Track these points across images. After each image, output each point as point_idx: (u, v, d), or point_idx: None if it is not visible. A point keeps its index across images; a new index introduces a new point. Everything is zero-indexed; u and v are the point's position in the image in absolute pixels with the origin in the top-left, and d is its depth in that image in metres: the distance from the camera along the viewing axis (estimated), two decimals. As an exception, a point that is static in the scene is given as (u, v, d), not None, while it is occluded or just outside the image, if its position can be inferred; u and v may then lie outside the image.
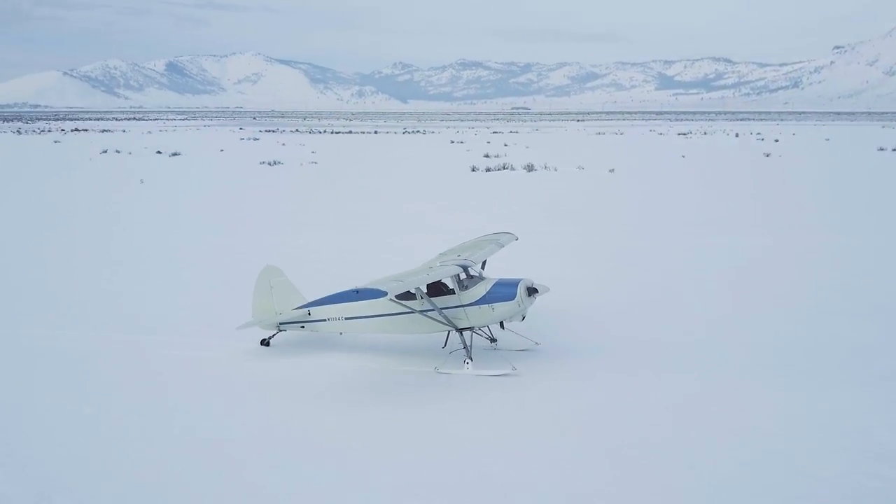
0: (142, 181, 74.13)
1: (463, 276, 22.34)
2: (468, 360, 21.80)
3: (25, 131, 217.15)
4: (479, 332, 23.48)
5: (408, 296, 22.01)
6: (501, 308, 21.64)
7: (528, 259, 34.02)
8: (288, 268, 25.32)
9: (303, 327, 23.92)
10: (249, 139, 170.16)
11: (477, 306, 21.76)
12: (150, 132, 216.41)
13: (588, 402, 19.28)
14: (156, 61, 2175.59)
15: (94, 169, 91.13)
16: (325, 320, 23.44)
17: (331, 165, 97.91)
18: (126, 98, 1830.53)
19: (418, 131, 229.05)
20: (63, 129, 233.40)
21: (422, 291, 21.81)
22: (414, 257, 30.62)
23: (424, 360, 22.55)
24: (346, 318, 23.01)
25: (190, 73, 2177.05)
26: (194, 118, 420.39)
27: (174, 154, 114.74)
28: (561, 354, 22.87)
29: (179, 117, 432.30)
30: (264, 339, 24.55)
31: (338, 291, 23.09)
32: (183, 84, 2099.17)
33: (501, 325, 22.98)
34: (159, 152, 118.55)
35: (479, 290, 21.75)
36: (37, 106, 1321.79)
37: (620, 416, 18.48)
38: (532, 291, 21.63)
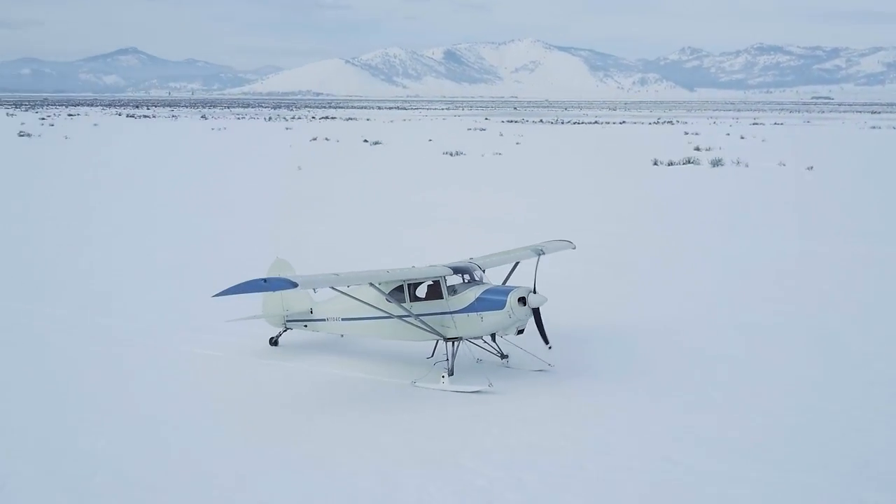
0: (300, 168, 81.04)
1: (455, 280, 21.61)
2: (445, 375, 21.06)
3: (276, 117, 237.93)
4: (490, 348, 22.77)
5: (401, 297, 21.69)
6: (490, 318, 20.64)
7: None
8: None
9: (305, 326, 24.05)
10: (476, 129, 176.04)
11: (465, 314, 20.86)
12: (391, 121, 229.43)
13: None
14: (434, 49, 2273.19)
15: (273, 154, 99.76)
16: (324, 320, 23.43)
17: (519, 157, 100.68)
18: (404, 87, 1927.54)
19: (669, 121, 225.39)
20: (313, 116, 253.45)
21: (385, 294, 21.39)
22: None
23: (410, 370, 22.33)
24: (344, 319, 22.85)
25: (467, 61, 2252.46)
26: (462, 108, 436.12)
27: (375, 143, 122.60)
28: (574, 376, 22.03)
29: (445, 107, 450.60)
30: (272, 338, 24.81)
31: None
32: (460, 72, 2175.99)
33: (493, 337, 22.01)
34: (365, 141, 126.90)
35: (468, 297, 20.87)
36: (319, 94, 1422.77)
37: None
38: (524, 301, 20.47)
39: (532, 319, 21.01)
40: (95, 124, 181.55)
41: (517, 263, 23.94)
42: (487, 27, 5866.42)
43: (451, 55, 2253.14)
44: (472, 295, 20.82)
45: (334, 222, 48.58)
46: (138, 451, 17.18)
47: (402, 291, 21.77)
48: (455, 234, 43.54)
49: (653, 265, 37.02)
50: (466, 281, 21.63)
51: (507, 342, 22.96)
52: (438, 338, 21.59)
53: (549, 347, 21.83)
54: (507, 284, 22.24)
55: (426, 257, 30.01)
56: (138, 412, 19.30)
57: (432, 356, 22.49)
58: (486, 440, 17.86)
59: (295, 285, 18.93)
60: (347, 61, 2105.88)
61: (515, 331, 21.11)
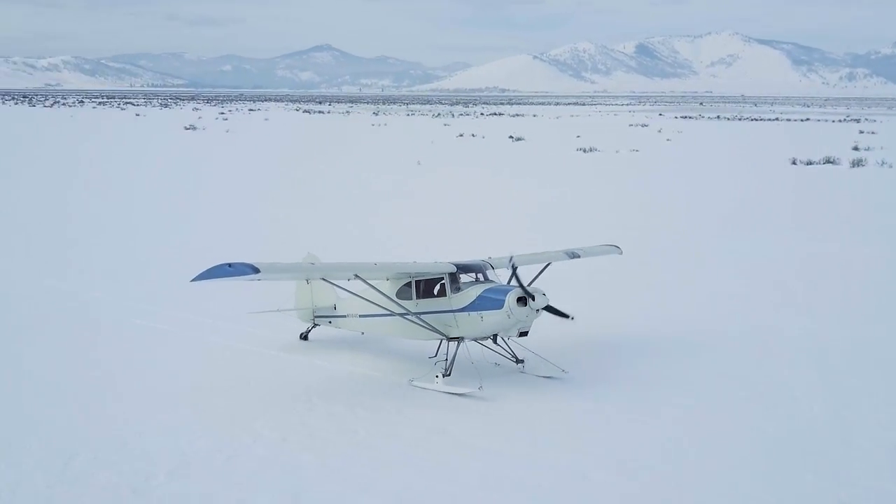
0: (419, 163, 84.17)
1: (468, 278, 21.59)
2: (439, 375, 20.97)
3: (445, 114, 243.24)
4: (505, 351, 22.57)
5: (408, 293, 21.75)
6: (490, 318, 20.38)
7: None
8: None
9: (330, 322, 24.32)
10: (638, 125, 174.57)
11: (466, 313, 20.69)
12: (558, 117, 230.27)
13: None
14: (625, 43, 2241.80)
15: (409, 149, 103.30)
16: (345, 316, 23.53)
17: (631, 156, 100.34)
18: (592, 82, 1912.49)
19: (856, 119, 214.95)
20: (482, 113, 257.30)
21: (367, 290, 21.59)
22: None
23: (415, 368, 22.48)
24: (361, 316, 22.83)
25: (660, 55, 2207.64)
26: (646, 103, 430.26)
27: (518, 139, 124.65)
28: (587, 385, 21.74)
29: (627, 102, 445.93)
30: (303, 333, 25.28)
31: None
32: (652, 67, 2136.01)
33: (494, 339, 21.57)
34: (510, 137, 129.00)
35: (470, 295, 20.67)
36: (505, 90, 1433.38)
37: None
38: (523, 302, 20.08)
39: (546, 311, 20.86)
40: (266, 119, 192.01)
41: (548, 265, 23.82)
42: (683, 19, 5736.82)
43: (642, 49, 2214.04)
44: (473, 293, 20.59)
45: (418, 216, 51.20)
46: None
47: (411, 288, 21.77)
48: (512, 229, 45.36)
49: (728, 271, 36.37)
50: (479, 279, 21.44)
51: (522, 346, 22.69)
52: (442, 337, 21.49)
53: (572, 318, 22.07)
54: (510, 284, 21.50)
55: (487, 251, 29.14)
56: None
57: (435, 356, 22.31)
58: (474, 443, 17.95)
59: (257, 271, 18.64)
60: (535, 57, 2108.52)
61: (517, 332, 20.65)
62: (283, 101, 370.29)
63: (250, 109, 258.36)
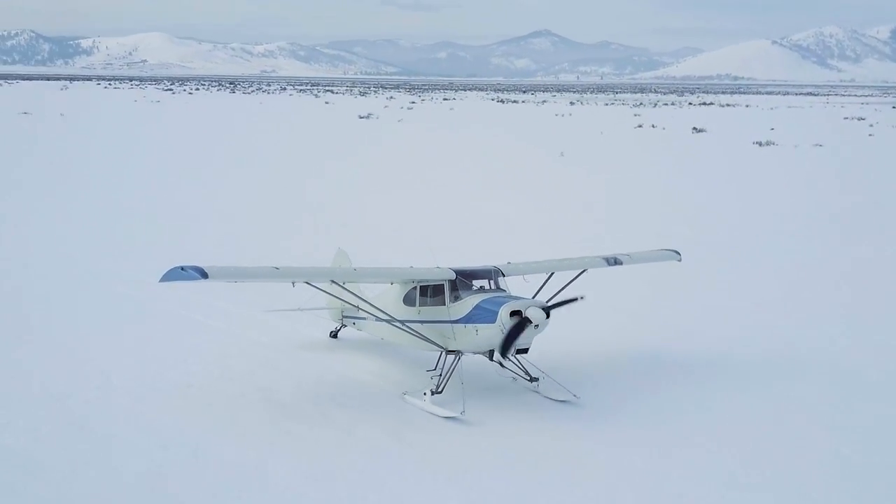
0: (562, 154, 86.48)
1: (481, 283, 21.20)
2: (428, 392, 20.63)
3: (647, 104, 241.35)
4: (516, 370, 21.92)
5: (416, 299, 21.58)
6: (484, 332, 19.86)
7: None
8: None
9: (354, 324, 24.41)
10: (854, 118, 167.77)
11: (462, 325, 20.23)
12: (772, 108, 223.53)
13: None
14: (879, 28, 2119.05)
15: (569, 140, 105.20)
16: (365, 319, 23.34)
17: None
18: (838, 70, 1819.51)
19: None
20: (690, 103, 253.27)
21: (356, 298, 21.84)
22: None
23: (418, 380, 22.16)
24: (377, 320, 22.42)
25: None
26: (892, 94, 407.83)
27: (700, 131, 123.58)
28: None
29: (868, 94, 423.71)
30: (332, 332, 25.85)
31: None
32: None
33: (490, 355, 20.69)
34: (694, 129, 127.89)
35: (467, 306, 20.25)
36: (737, 78, 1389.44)
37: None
38: (519, 316, 19.41)
39: (550, 312, 19.91)
40: (451, 109, 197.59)
41: (582, 272, 23.19)
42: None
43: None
44: (470, 304, 20.15)
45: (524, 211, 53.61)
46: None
47: (415, 294, 21.67)
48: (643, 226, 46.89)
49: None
50: (488, 287, 21.07)
51: (534, 364, 22.14)
52: (441, 349, 21.17)
53: (581, 297, 20.62)
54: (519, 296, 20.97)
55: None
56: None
57: (434, 369, 21.48)
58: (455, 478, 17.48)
59: (205, 276, 18.52)
60: (775, 42, 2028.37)
61: (514, 349, 20.03)
62: (485, 90, 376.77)
63: (444, 98, 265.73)
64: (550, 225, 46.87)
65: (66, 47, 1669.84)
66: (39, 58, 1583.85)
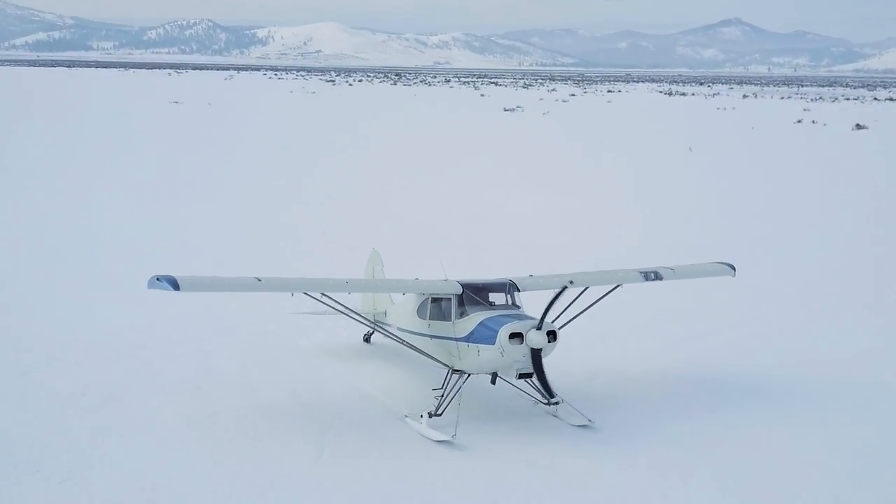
0: (690, 149, 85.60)
1: (500, 298, 20.50)
2: (425, 414, 20.05)
3: (826, 97, 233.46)
4: (533, 392, 21.04)
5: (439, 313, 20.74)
6: (486, 353, 19.24)
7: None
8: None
9: (382, 329, 23.56)
10: None
11: (466, 344, 19.67)
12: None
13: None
14: None
15: (705, 136, 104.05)
16: (390, 325, 23.07)
17: None
18: None
19: None
20: (876, 98, 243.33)
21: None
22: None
23: (423, 398, 21.43)
24: (399, 329, 22.21)
25: None
26: None
27: (861, 128, 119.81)
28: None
29: None
30: (366, 335, 25.69)
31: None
32: None
33: (493, 379, 20.17)
34: (857, 125, 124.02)
35: (471, 323, 19.67)
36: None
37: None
38: (520, 338, 18.76)
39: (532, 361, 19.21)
40: (609, 102, 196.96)
41: (615, 287, 22.25)
42: None
43: None
44: (474, 321, 19.58)
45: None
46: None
47: (426, 306, 21.22)
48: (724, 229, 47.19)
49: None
50: (507, 301, 20.44)
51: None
52: (447, 368, 20.65)
53: (556, 402, 20.15)
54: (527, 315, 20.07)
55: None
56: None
57: (440, 388, 20.73)
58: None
59: (176, 287, 18.18)
60: None
61: (516, 374, 19.55)
62: (659, 82, 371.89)
63: (609, 90, 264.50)
64: (655, 222, 47.83)
65: (241, 37, 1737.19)
66: (216, 47, 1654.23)
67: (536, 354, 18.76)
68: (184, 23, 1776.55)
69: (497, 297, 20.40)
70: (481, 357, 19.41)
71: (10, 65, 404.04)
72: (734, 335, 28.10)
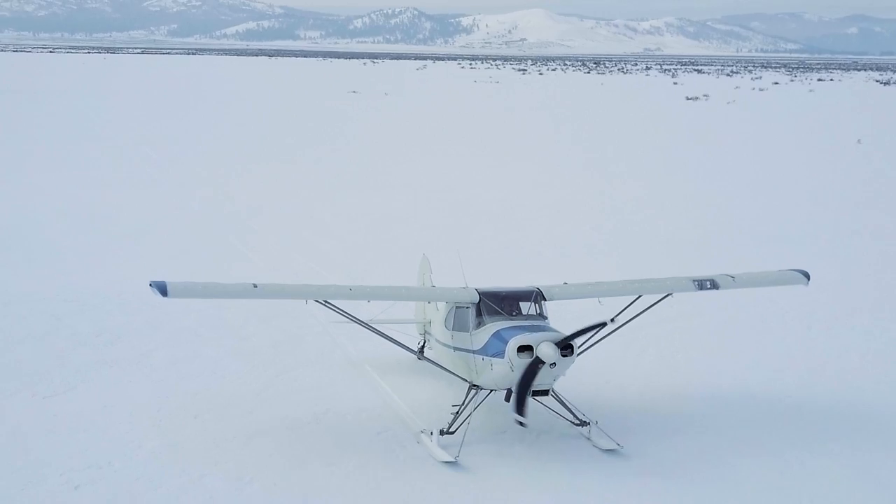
0: (859, 141, 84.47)
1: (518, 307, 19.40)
2: (434, 431, 19.36)
3: None
4: (564, 413, 20.17)
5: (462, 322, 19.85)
6: (498, 368, 18.33)
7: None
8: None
9: (427, 341, 22.92)
10: None
11: (481, 357, 18.82)
12: None
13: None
14: None
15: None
16: (431, 336, 22.30)
17: None
18: None
19: None
20: None
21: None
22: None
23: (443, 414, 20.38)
24: (437, 341, 21.38)
25: None
26: None
27: None
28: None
29: None
30: (419, 348, 23.37)
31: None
32: None
33: (507, 395, 18.72)
34: None
35: (485, 334, 18.80)
36: None
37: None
38: (530, 352, 17.75)
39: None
40: (811, 91, 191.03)
41: (666, 296, 20.87)
42: None
43: None
44: (489, 331, 18.70)
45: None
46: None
47: (451, 315, 20.37)
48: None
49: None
50: (535, 311, 19.46)
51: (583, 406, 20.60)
52: (468, 382, 19.82)
53: (523, 424, 18.47)
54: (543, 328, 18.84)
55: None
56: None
57: (462, 404, 19.87)
58: None
59: (164, 294, 17.95)
60: None
61: (530, 392, 18.27)
62: (884, 71, 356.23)
63: (819, 79, 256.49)
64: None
65: (446, 25, 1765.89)
66: (420, 36, 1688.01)
67: (533, 368, 17.71)
68: (389, 11, 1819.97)
69: (522, 307, 19.42)
70: (494, 371, 18.44)
71: (216, 53, 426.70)
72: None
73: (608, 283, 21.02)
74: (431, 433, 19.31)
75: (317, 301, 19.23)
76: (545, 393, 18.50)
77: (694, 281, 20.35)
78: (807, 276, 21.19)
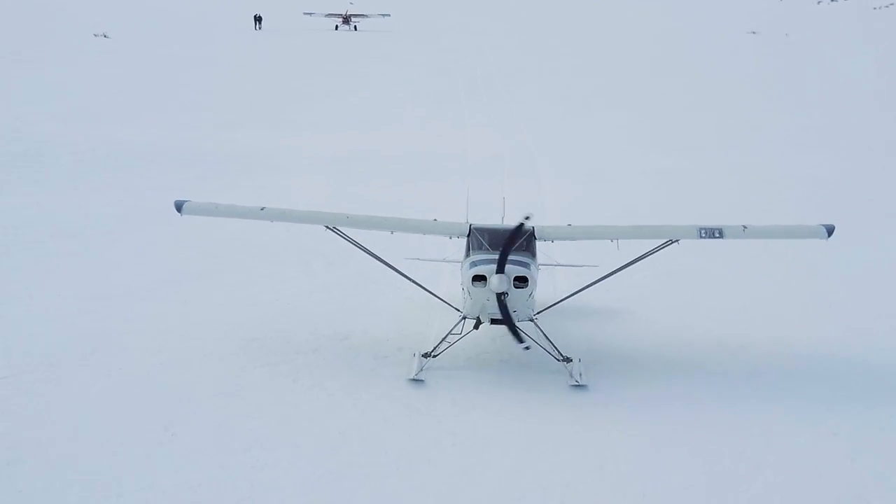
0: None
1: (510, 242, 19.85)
2: (418, 353, 20.73)
3: None
4: (547, 347, 21.94)
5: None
6: (464, 297, 20.04)
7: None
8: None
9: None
10: None
11: (462, 287, 20.25)
12: None
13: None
14: None
15: None
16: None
17: None
18: None
19: None
20: None
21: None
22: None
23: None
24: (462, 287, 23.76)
25: None
26: None
27: None
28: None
29: None
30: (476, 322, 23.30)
31: None
32: None
33: (476, 325, 20.24)
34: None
35: (465, 267, 19.87)
36: None
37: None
38: (482, 281, 18.95)
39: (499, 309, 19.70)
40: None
41: (668, 242, 21.38)
42: None
43: None
44: (467, 263, 19.77)
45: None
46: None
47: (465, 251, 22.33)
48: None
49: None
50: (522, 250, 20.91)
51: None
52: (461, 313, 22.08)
53: (526, 348, 19.76)
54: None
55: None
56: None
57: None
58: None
59: (178, 212, 20.54)
60: None
61: (487, 318, 19.67)
62: None
63: None
64: None
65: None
66: None
67: (499, 299, 19.01)
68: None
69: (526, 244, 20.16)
70: (464, 300, 20.07)
71: None
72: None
73: (605, 226, 21.31)
74: (414, 354, 20.74)
75: (327, 227, 20.87)
76: (502, 322, 19.50)
77: (699, 230, 20.54)
78: (830, 230, 20.42)
